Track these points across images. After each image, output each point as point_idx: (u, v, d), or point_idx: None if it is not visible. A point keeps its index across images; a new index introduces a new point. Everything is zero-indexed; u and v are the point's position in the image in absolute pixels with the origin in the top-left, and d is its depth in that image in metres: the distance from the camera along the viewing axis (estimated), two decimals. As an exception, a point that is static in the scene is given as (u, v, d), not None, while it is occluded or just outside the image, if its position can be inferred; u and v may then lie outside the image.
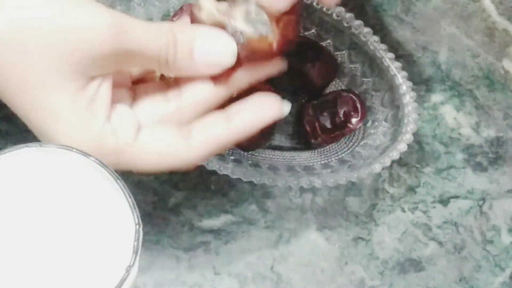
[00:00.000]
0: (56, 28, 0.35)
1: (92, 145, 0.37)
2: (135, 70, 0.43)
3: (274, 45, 0.41)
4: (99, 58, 0.36)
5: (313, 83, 0.55)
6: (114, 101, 0.39)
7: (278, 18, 0.41)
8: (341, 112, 0.53)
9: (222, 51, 0.40)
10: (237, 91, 0.42)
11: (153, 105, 0.41)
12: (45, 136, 0.38)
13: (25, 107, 0.37)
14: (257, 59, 0.41)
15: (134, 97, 0.41)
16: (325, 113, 0.53)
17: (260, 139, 0.51)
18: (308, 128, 0.53)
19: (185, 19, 0.43)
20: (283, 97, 0.43)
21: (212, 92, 0.41)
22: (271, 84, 0.49)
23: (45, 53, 0.35)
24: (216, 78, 0.41)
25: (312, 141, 0.53)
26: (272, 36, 0.40)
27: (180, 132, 0.40)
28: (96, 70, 0.37)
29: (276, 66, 0.43)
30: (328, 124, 0.53)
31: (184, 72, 0.40)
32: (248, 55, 0.40)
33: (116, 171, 0.33)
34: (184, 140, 0.39)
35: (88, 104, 0.37)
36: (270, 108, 0.42)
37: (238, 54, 0.40)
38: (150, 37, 0.38)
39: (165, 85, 0.42)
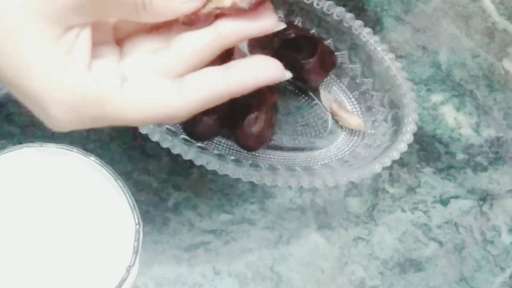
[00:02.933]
0: None
1: (71, 92, 0.35)
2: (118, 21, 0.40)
3: None
4: (76, 5, 0.35)
5: (310, 77, 0.55)
6: (97, 55, 0.37)
7: None
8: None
9: None
10: (227, 44, 0.39)
11: (141, 56, 0.39)
12: (21, 87, 0.36)
13: (2, 59, 0.35)
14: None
15: (121, 53, 0.39)
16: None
17: (262, 138, 0.51)
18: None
19: None
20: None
21: (201, 41, 0.39)
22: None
23: (21, 3, 0.34)
24: (197, 22, 0.38)
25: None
26: None
27: (171, 80, 0.38)
28: (74, 18, 0.35)
29: (267, 24, 0.40)
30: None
31: (162, 13, 0.38)
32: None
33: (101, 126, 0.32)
34: (175, 87, 0.37)
35: (66, 52, 0.35)
36: (271, 67, 0.39)
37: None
38: None
39: (151, 37, 0.40)
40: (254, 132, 0.50)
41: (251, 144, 0.51)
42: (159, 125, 0.48)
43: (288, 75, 0.40)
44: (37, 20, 0.35)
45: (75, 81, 0.35)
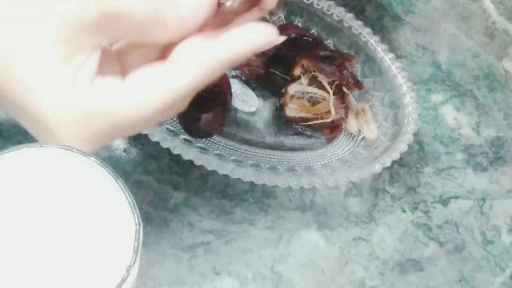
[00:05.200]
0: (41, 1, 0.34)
1: (76, 112, 0.36)
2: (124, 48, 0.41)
3: None
4: (87, 25, 0.35)
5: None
6: (100, 70, 0.37)
7: None
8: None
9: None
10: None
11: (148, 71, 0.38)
12: (25, 107, 0.36)
13: (9, 78, 0.36)
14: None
15: (122, 70, 0.39)
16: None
17: (210, 128, 0.51)
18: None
19: None
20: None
21: (201, 48, 0.38)
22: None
23: (32, 25, 0.35)
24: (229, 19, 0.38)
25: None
26: None
27: (166, 63, 0.38)
28: (85, 39, 0.36)
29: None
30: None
31: (175, 31, 0.38)
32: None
33: (112, 142, 0.31)
34: (171, 68, 0.37)
35: (74, 73, 0.35)
36: (264, 31, 0.39)
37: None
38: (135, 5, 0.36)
39: (153, 59, 0.40)
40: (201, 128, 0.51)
41: (197, 131, 0.51)
42: (159, 124, 0.48)
43: (281, 38, 0.39)
44: (49, 41, 0.35)
45: (79, 101, 0.36)
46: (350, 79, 0.53)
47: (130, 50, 0.40)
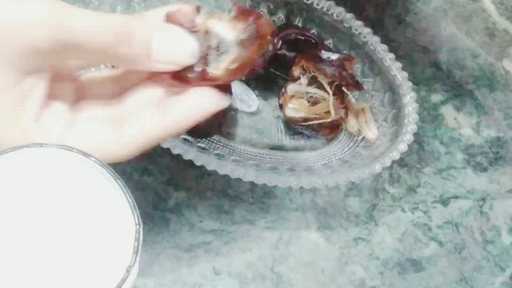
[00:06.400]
0: None
1: (18, 141, 0.35)
2: (85, 81, 0.41)
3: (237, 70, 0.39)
4: (37, 52, 0.35)
5: None
6: (52, 96, 0.37)
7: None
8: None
9: (183, 49, 0.38)
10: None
11: (93, 107, 0.40)
12: None
13: None
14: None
15: (78, 92, 0.40)
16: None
17: (210, 128, 0.51)
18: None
19: (144, 12, 0.41)
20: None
21: (158, 97, 0.39)
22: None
23: None
24: (165, 77, 0.39)
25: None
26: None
27: (112, 128, 0.38)
28: (34, 64, 0.35)
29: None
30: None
31: (137, 67, 0.39)
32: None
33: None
34: (115, 136, 0.38)
35: (19, 100, 0.35)
36: (207, 99, 0.39)
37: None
38: (97, 29, 0.36)
39: (111, 80, 0.41)
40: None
41: (196, 133, 0.51)
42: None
43: (226, 102, 0.40)
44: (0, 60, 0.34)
45: (22, 133, 0.36)
46: (350, 80, 0.53)
47: (88, 83, 0.41)
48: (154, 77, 0.40)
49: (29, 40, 0.34)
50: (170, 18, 0.39)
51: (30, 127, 0.36)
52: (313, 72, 0.53)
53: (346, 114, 0.54)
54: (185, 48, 0.38)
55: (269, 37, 0.40)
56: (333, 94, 0.53)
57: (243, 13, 0.40)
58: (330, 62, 0.53)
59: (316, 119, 0.53)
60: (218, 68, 0.39)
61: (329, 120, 0.53)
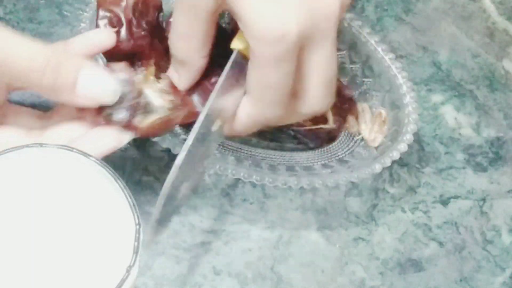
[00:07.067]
0: None
1: None
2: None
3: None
4: None
5: None
6: None
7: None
8: None
9: (105, 88, 0.41)
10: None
11: (12, 135, 0.41)
12: None
13: None
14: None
15: (2, 117, 0.41)
16: None
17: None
18: None
19: (76, 46, 0.44)
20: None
21: (77, 134, 0.41)
22: None
23: None
24: (85, 113, 0.42)
25: None
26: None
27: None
28: None
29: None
30: None
31: (61, 98, 0.40)
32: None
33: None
34: None
35: None
36: (108, 138, 0.42)
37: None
38: (25, 54, 0.38)
39: (37, 116, 0.43)
40: None
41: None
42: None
43: (124, 141, 0.42)
44: None
45: None
46: (345, 106, 0.53)
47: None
48: (81, 112, 0.42)
49: None
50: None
51: None
52: None
53: (344, 121, 0.54)
54: (108, 88, 0.41)
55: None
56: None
57: (174, 88, 0.45)
58: None
59: (313, 124, 0.53)
60: (141, 122, 0.43)
61: (326, 127, 0.53)
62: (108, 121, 0.42)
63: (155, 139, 0.47)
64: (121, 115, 0.42)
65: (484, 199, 0.55)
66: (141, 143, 0.52)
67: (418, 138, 0.57)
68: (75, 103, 0.40)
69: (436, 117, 0.59)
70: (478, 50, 0.64)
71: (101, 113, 0.42)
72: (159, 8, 0.49)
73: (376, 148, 0.53)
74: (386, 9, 0.64)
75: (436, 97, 0.60)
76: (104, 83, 0.41)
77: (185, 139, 0.49)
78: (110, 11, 0.45)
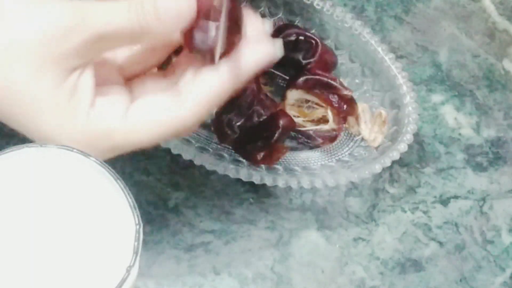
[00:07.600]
0: (26, 38, 0.36)
1: (80, 133, 0.37)
2: (123, 61, 0.42)
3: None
4: (73, 49, 0.36)
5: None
6: (100, 83, 0.38)
7: None
8: None
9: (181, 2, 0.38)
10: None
11: (143, 82, 0.41)
12: (32, 132, 0.38)
13: (11, 109, 0.38)
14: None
15: (121, 72, 0.41)
16: None
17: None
18: None
19: None
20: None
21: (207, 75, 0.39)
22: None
23: (22, 59, 0.36)
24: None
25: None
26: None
27: (170, 94, 0.39)
28: (74, 61, 0.37)
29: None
30: None
31: (155, 32, 0.38)
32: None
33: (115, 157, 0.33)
34: (175, 100, 0.38)
35: (71, 94, 0.37)
36: (261, 50, 0.40)
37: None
38: (117, 14, 0.37)
39: (161, 77, 0.41)
40: None
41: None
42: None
43: (279, 53, 0.40)
44: (41, 67, 0.36)
45: (82, 121, 0.37)
46: (344, 106, 0.53)
47: (130, 63, 0.42)
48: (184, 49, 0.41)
49: (62, 43, 0.36)
50: None
51: (89, 115, 0.37)
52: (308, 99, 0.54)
53: (344, 121, 0.54)
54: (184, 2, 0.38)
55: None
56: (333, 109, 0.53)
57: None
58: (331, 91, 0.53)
59: (313, 124, 0.53)
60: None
61: (326, 128, 0.53)
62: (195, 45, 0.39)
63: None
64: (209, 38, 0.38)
65: (484, 199, 0.55)
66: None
67: (418, 138, 0.57)
68: (166, 30, 0.38)
69: (436, 117, 0.59)
70: (478, 50, 0.64)
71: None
72: None
73: (376, 148, 0.53)
74: (386, 9, 0.64)
75: (436, 97, 0.60)
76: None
77: (185, 139, 0.50)
78: None
